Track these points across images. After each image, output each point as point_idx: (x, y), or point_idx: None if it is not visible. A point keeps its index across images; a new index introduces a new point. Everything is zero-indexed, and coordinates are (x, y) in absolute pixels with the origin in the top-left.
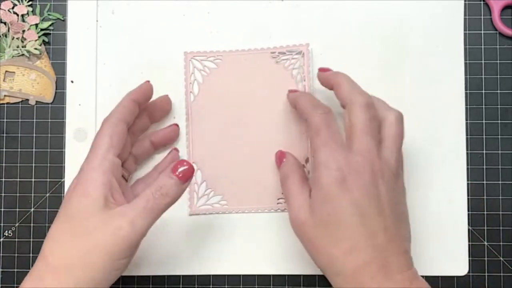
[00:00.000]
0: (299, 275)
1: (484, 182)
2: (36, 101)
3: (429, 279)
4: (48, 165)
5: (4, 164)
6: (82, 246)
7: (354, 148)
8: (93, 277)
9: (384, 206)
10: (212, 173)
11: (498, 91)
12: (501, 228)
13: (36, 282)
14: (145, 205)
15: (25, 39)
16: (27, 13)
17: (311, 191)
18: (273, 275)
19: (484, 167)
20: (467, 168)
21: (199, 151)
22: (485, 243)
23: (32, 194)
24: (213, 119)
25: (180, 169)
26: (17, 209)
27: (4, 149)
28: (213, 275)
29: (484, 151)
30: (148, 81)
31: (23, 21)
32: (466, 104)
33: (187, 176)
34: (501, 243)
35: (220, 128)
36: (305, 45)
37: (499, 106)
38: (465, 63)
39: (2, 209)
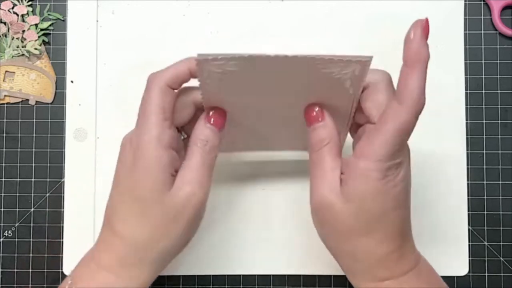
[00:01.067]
0: (299, 275)
1: (484, 182)
2: (36, 101)
3: None
4: (48, 165)
5: (4, 164)
6: (161, 223)
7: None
8: (174, 247)
9: (409, 197)
10: None
11: (498, 91)
12: (501, 228)
13: (120, 261)
14: (203, 163)
15: (25, 39)
16: (27, 13)
17: (346, 172)
18: (273, 275)
19: (484, 167)
20: (467, 168)
21: None
22: (485, 243)
23: (32, 194)
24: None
25: (212, 114)
26: (17, 209)
27: (4, 149)
28: (213, 275)
29: (484, 151)
30: None
31: (23, 21)
32: (466, 104)
33: (219, 124)
34: (501, 243)
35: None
36: (366, 58)
37: (499, 106)
38: (465, 63)
39: (2, 209)
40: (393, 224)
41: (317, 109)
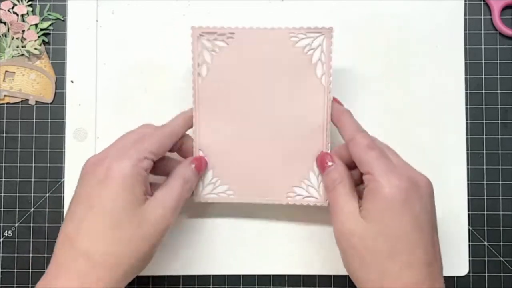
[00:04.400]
0: (299, 275)
1: (484, 182)
2: (36, 101)
3: None
4: (48, 165)
5: (4, 164)
6: (131, 239)
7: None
8: (138, 266)
9: (434, 221)
10: (219, 161)
11: (498, 91)
12: (501, 228)
13: (81, 280)
14: (181, 196)
15: (25, 39)
16: (27, 13)
17: (364, 201)
18: (273, 275)
19: (484, 167)
20: (467, 168)
21: (206, 138)
22: (485, 243)
23: (32, 194)
24: (222, 104)
25: (196, 158)
26: (17, 209)
27: (4, 149)
28: (213, 275)
29: (484, 151)
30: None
31: (23, 21)
32: (466, 104)
33: (201, 168)
34: (501, 243)
35: (229, 114)
36: (328, 28)
37: (499, 106)
38: (465, 63)
39: (2, 209)
40: (417, 247)
41: (327, 156)
